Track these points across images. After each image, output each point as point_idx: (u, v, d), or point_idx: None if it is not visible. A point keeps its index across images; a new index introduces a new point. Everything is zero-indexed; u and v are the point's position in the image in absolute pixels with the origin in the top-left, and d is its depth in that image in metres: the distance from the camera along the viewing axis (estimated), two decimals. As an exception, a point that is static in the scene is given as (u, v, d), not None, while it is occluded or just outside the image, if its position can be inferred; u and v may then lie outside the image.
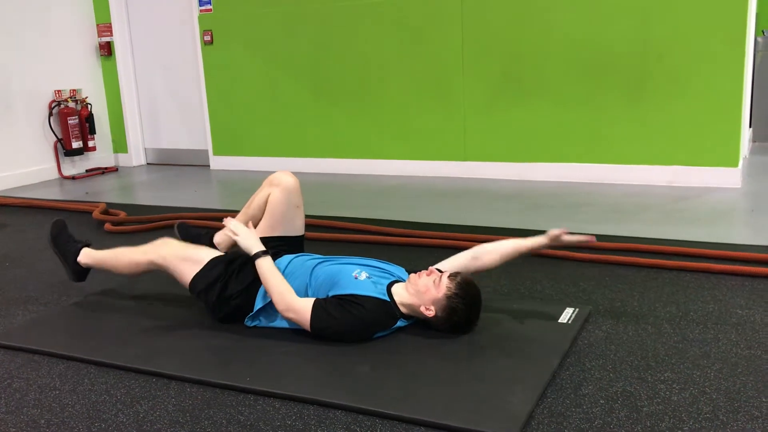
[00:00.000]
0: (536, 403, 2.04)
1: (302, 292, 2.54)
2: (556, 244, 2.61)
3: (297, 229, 2.85)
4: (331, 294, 2.48)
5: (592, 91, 4.98)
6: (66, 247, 3.00)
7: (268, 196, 2.81)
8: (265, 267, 2.51)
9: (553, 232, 2.58)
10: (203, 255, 2.70)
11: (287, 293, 2.46)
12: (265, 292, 2.58)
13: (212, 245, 2.90)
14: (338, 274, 2.54)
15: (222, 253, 2.75)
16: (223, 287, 2.61)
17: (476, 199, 4.82)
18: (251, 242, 2.57)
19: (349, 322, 2.40)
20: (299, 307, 2.44)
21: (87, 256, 2.97)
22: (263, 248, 2.56)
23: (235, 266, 2.65)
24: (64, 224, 3.06)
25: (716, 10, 4.51)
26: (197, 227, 3.21)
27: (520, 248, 2.66)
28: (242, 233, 2.59)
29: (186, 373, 2.31)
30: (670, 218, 4.03)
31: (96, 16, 6.81)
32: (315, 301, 2.44)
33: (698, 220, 3.96)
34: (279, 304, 2.46)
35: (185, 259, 2.68)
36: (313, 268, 2.61)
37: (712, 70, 4.60)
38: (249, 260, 2.59)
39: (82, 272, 3.01)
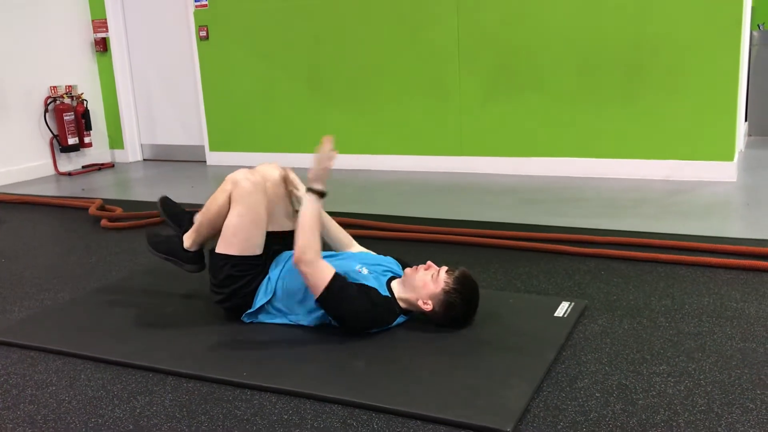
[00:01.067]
0: (532, 397, 2.05)
1: (304, 287, 2.53)
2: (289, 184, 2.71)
3: (291, 218, 2.81)
4: None
5: (588, 85, 4.98)
6: (169, 245, 2.81)
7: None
8: (311, 209, 2.45)
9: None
10: (256, 239, 2.60)
11: (315, 249, 2.40)
12: (265, 290, 2.59)
13: (192, 224, 2.81)
14: (341, 268, 2.54)
15: (260, 252, 2.62)
16: (240, 287, 2.59)
17: (471, 193, 4.82)
18: (320, 179, 2.49)
19: (358, 306, 2.40)
20: (319, 269, 2.38)
21: (188, 237, 2.78)
22: (322, 191, 2.49)
23: (258, 270, 2.62)
24: (157, 231, 2.89)
25: (712, 3, 4.52)
26: (178, 206, 3.10)
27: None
28: (321, 169, 2.49)
29: (183, 369, 2.31)
30: (665, 212, 4.04)
31: (91, 12, 6.79)
32: (336, 273, 2.41)
33: (693, 214, 3.97)
34: (302, 253, 2.38)
35: (242, 227, 2.56)
36: None
37: (708, 64, 4.60)
38: (262, 270, 2.59)
39: (196, 257, 2.81)
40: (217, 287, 2.62)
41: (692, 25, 4.60)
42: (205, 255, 2.82)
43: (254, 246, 2.59)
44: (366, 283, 2.47)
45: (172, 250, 2.79)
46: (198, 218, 2.77)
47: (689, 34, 4.62)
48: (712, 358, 2.25)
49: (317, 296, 2.41)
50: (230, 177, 2.63)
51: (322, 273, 2.39)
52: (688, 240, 3.42)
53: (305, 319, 2.56)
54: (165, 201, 2.91)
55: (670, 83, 4.74)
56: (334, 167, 2.55)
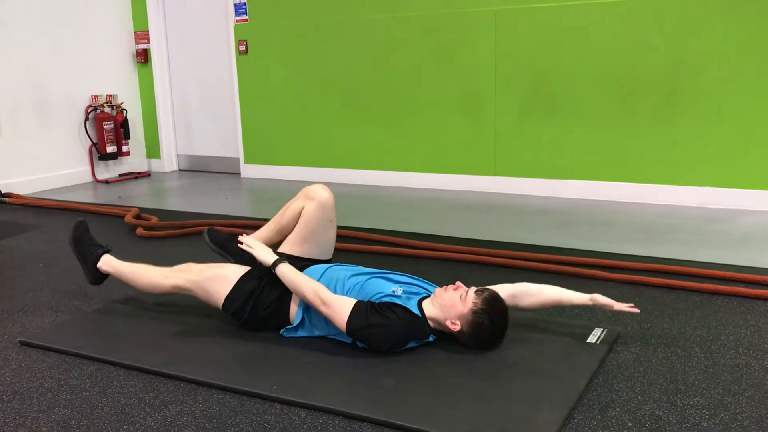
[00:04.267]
0: (563, 424, 2.02)
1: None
2: (598, 306, 2.58)
3: (327, 244, 2.85)
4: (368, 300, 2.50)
5: (624, 109, 4.94)
6: (87, 250, 2.97)
7: (302, 208, 2.81)
8: (287, 272, 2.54)
9: (600, 300, 2.53)
10: (232, 273, 2.70)
11: (320, 289, 2.48)
12: (303, 306, 2.60)
13: (240, 250, 2.88)
14: (377, 287, 2.55)
15: (248, 269, 2.73)
16: (256, 302, 2.63)
17: (504, 214, 4.80)
18: (265, 254, 2.60)
19: (385, 330, 2.40)
20: (338, 305, 2.44)
21: (107, 264, 2.93)
22: (277, 257, 2.59)
23: (266, 279, 2.65)
24: (86, 226, 3.03)
25: (751, 29, 4.47)
26: (225, 234, 3.20)
27: (562, 301, 2.62)
28: (257, 246, 2.64)
29: (214, 380, 2.33)
30: (701, 240, 3.98)
31: (134, 24, 6.94)
32: (356, 302, 2.44)
33: (731, 243, 3.90)
34: (314, 300, 2.46)
35: (214, 279, 2.68)
36: (347, 279, 2.62)
37: (746, 90, 4.54)
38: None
39: (100, 278, 2.99)
40: (241, 323, 2.71)
41: (732, 48, 4.54)
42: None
43: (227, 281, 2.68)
44: (397, 302, 2.47)
45: (86, 256, 2.98)
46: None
47: (729, 58, 4.56)
48: (749, 392, 2.20)
49: (345, 331, 2.44)
50: (170, 275, 2.81)
51: (341, 307, 2.43)
52: (725, 270, 3.37)
53: (342, 336, 2.56)
54: (212, 232, 3.03)
55: (707, 109, 4.68)
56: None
